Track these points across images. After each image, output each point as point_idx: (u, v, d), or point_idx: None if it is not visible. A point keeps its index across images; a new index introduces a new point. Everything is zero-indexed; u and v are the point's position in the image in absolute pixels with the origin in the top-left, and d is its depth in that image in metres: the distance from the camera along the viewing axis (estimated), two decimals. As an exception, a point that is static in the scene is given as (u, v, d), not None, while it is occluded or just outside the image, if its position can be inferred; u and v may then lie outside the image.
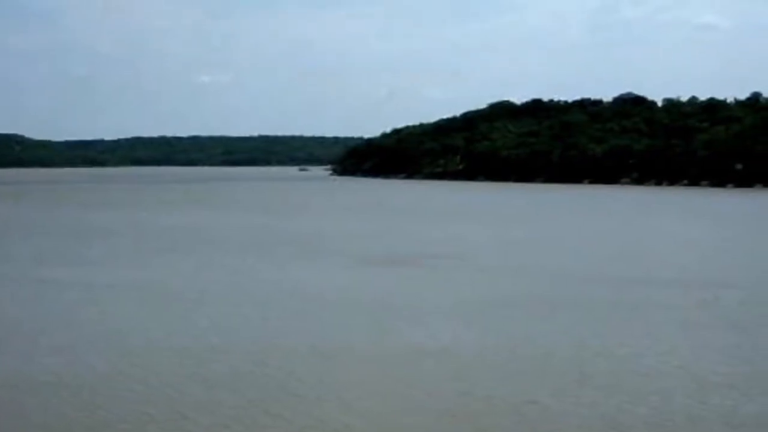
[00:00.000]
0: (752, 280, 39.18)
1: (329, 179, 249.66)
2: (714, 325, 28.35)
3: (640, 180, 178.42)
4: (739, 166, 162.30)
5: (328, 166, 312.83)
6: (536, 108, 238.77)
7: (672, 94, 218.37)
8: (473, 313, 30.51)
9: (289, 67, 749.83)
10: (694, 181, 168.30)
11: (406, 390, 20.35)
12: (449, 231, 65.84)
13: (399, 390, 20.38)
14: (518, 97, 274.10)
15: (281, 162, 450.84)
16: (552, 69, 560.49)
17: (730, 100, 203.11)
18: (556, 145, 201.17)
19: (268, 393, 20.25)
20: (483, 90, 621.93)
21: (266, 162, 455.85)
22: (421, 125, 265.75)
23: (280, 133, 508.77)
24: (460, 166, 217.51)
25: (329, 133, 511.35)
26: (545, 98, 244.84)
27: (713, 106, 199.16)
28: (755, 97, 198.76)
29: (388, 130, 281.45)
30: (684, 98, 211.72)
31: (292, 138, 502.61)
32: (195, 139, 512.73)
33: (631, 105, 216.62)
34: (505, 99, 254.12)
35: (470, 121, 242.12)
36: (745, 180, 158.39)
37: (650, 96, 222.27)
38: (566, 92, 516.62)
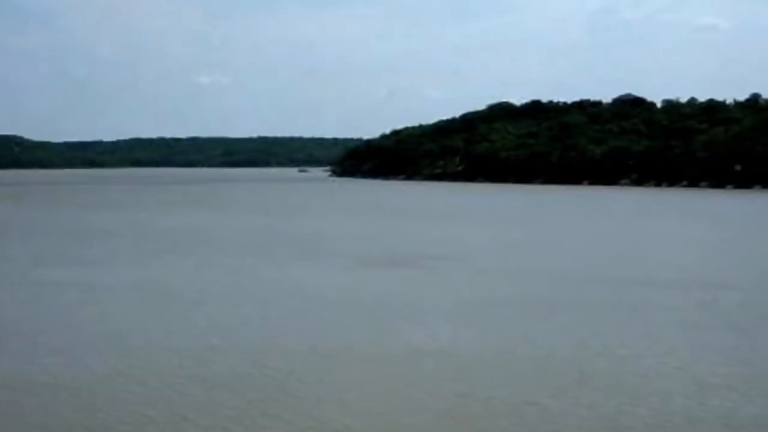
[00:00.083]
0: (752, 281, 39.19)
1: (328, 180, 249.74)
2: (713, 326, 28.35)
3: (639, 181, 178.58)
4: (738, 168, 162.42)
5: (328, 168, 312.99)
6: (535, 109, 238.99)
7: (671, 95, 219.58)
8: (473, 314, 30.51)
9: (289, 67, 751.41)
10: (693, 182, 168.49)
11: (405, 390, 20.36)
12: (449, 232, 65.86)
13: (398, 390, 20.38)
14: (518, 98, 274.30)
15: (281, 163, 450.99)
16: (551, 70, 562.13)
17: (729, 101, 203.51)
18: (555, 146, 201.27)
19: (267, 393, 20.24)
20: (482, 90, 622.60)
21: (266, 163, 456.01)
22: (421, 126, 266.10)
23: (279, 134, 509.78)
24: (460, 168, 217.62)
25: (329, 134, 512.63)
26: (544, 99, 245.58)
27: (712, 107, 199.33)
28: (755, 98, 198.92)
29: (388, 131, 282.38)
30: (683, 99, 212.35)
31: (292, 139, 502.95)
32: (194, 140, 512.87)
33: (630, 106, 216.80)
34: (505, 100, 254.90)
35: (469, 122, 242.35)
36: (744, 181, 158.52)
37: (649, 97, 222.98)
38: (565, 93, 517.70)
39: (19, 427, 18.05)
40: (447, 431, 17.72)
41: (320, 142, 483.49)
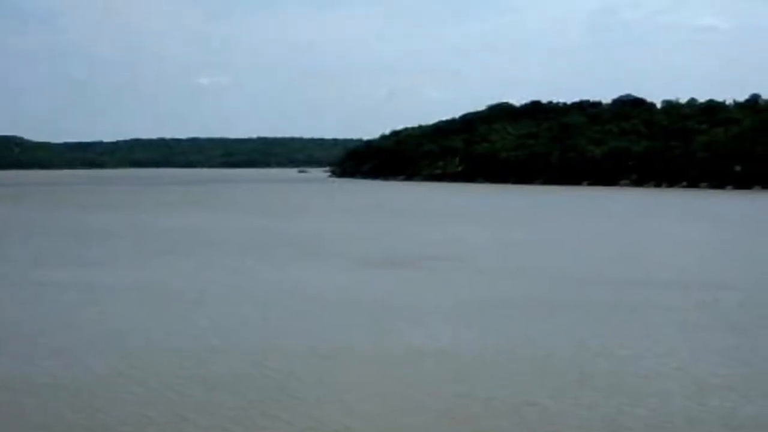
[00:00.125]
0: (751, 282, 39.19)
1: (328, 181, 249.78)
2: (713, 327, 28.36)
3: (639, 182, 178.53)
4: (738, 168, 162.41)
5: (327, 168, 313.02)
6: (535, 110, 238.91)
7: (671, 96, 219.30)
8: (473, 314, 30.53)
9: (289, 68, 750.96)
10: (693, 183, 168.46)
11: (405, 391, 20.37)
12: (448, 233, 65.88)
13: (398, 391, 20.39)
14: (517, 99, 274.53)
15: (280, 164, 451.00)
16: (551, 70, 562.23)
17: (729, 101, 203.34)
18: (555, 146, 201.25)
19: (267, 394, 20.26)
20: (482, 91, 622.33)
21: (265, 164, 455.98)
22: (420, 127, 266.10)
23: (279, 134, 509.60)
24: (459, 168, 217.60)
25: (328, 135, 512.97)
26: (544, 100, 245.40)
27: (712, 107, 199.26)
28: (754, 98, 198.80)
29: (387, 131, 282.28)
30: (683, 100, 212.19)
31: (292, 140, 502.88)
32: (194, 141, 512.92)
33: (630, 107, 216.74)
34: (504, 100, 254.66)
35: (469, 122, 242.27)
36: (744, 182, 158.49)
37: (649, 98, 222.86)
38: (565, 94, 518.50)
39: (19, 428, 18.06)
40: (447, 431, 17.75)
41: (320, 142, 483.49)
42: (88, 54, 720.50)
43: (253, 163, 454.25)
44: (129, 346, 25.34)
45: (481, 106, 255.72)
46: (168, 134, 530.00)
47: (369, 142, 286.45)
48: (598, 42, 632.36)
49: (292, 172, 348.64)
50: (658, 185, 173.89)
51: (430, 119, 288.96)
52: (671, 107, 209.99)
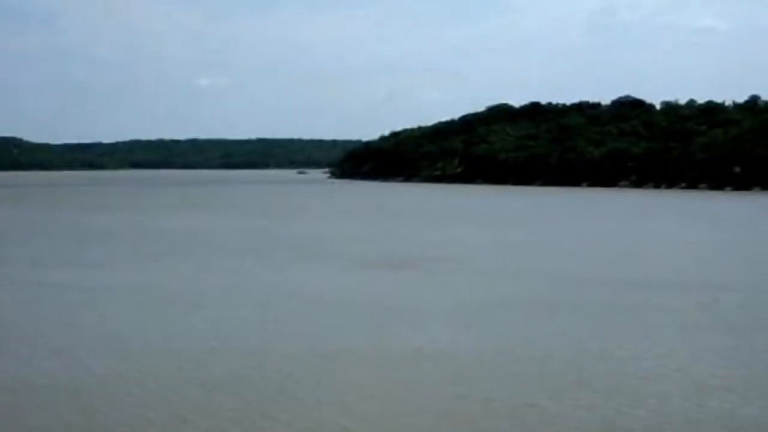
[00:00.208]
0: (750, 283, 39.21)
1: (327, 182, 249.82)
2: (712, 328, 28.38)
3: (638, 183, 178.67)
4: (737, 169, 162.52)
5: (327, 169, 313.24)
6: (534, 111, 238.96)
7: (670, 97, 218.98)
8: (472, 316, 30.53)
9: (288, 69, 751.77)
10: (692, 184, 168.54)
11: (404, 392, 20.38)
12: (447, 234, 65.89)
13: (398, 392, 20.40)
14: (517, 100, 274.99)
15: (280, 165, 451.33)
16: (550, 71, 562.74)
17: (728, 103, 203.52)
18: (554, 148, 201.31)
19: (266, 396, 20.26)
20: (482, 92, 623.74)
21: (265, 165, 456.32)
22: (420, 128, 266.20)
23: (278, 135, 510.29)
24: (459, 169, 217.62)
25: (328, 136, 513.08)
26: (543, 101, 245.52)
27: (711, 109, 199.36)
28: (753, 100, 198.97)
29: (387, 132, 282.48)
30: (682, 101, 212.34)
31: (291, 141, 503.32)
32: (193, 142, 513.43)
33: (629, 108, 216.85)
34: (504, 101, 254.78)
35: (468, 124, 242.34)
36: (743, 183, 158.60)
37: (648, 99, 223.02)
38: (564, 95, 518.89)
39: (18, 428, 18.06)
40: (446, 433, 17.75)
41: (319, 143, 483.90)
42: (87, 54, 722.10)
43: (253, 165, 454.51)
44: (128, 348, 25.35)
45: (480, 107, 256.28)
46: (167, 135, 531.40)
47: (368, 144, 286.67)
48: (597, 43, 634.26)
49: (291, 173, 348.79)
50: (657, 186, 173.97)
51: (429, 120, 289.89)
52: (670, 108, 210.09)
